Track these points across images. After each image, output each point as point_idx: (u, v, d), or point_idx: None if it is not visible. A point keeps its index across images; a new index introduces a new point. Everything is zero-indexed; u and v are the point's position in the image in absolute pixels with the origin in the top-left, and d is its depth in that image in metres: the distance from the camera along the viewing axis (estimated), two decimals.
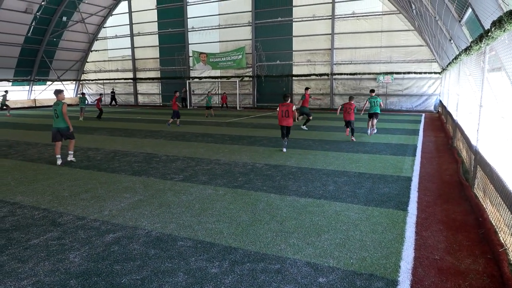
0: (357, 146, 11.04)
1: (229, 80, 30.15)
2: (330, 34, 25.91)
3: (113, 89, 35.62)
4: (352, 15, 25.07)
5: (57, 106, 8.86)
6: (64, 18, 32.11)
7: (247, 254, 4.13)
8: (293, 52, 27.59)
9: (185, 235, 4.66)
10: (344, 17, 25.39)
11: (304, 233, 4.70)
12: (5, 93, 25.73)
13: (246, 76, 29.54)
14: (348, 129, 12.20)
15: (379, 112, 12.98)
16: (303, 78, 27.53)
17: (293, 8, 26.88)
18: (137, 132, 15.03)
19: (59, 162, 8.99)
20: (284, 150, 10.34)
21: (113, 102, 34.65)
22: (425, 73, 23.69)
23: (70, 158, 9.38)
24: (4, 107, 24.99)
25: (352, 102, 12.19)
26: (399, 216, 5.25)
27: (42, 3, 29.66)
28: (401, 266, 3.82)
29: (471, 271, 3.76)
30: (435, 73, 23.29)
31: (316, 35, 26.48)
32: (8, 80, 31.95)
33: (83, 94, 23.15)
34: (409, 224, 4.94)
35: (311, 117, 15.29)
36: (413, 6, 15.87)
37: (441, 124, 16.75)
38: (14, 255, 4.19)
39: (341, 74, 26.13)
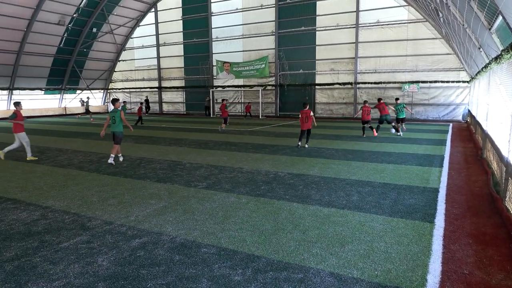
0: (381, 156, 10.87)
1: (252, 89, 30.39)
2: (354, 43, 25.74)
3: (146, 97, 36.03)
4: (376, 24, 24.85)
5: (115, 113, 10.15)
6: (94, 30, 33.38)
7: (270, 263, 4.14)
8: (316, 61, 27.56)
9: (209, 242, 4.72)
10: (368, 26, 25.19)
11: (327, 243, 4.66)
12: (87, 99, 27.05)
13: (269, 85, 29.70)
14: (374, 130, 15.26)
15: (404, 116, 16.18)
16: (326, 87, 27.41)
17: (317, 17, 26.92)
18: (162, 139, 15.36)
19: (109, 160, 10.18)
20: (300, 143, 12.53)
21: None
22: (452, 82, 23.10)
23: (110, 160, 10.16)
24: (87, 113, 26.24)
25: (367, 105, 15.42)
26: (426, 228, 5.12)
27: (74, 15, 30.98)
28: (428, 279, 3.73)
29: (502, 287, 3.62)
30: (463, 82, 22.68)
31: (339, 44, 26.37)
32: (40, 89, 33.39)
33: (124, 102, 24.89)
34: (436, 237, 4.82)
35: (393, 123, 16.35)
36: (440, 14, 15.58)
37: (469, 134, 16.25)
38: (46, 257, 4.37)
39: (365, 83, 25.84)
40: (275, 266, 4.07)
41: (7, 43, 28.45)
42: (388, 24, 24.45)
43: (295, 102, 28.01)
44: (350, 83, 26.28)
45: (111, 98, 33.80)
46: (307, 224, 5.31)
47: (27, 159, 10.88)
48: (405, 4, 23.56)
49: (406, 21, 23.87)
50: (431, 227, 5.15)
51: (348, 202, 6.35)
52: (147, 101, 35.11)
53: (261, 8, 28.93)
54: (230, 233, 5.03)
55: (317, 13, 26.88)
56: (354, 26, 25.56)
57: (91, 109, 30.05)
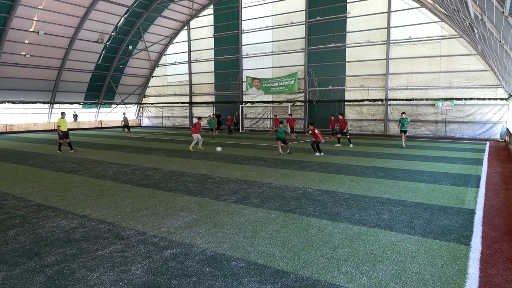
0: (413, 174, 10.60)
1: (281, 104, 30.58)
2: (385, 59, 25.50)
3: (218, 111, 33.50)
4: (408, 40, 24.54)
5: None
6: (130, 47, 34.96)
7: (299, 279, 4.13)
8: (346, 77, 27.44)
9: (238, 256, 4.78)
10: (400, 42, 24.92)
11: (358, 261, 4.60)
12: (124, 115, 27.76)
13: (298, 100, 29.80)
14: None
15: (406, 129, 18.27)
16: (355, 103, 27.16)
17: (347, 34, 26.94)
18: (192, 153, 15.68)
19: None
20: (317, 154, 14.58)
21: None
22: (489, 99, 22.28)
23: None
24: (126, 127, 27.04)
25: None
26: (461, 250, 4.95)
27: (112, 33, 32.61)
28: None
29: None
30: (501, 99, 21.83)
31: (370, 60, 26.20)
32: (79, 103, 35.15)
33: (212, 115, 27.65)
34: (472, 260, 4.64)
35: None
36: (475, 30, 15.23)
37: (508, 154, 15.54)
38: (83, 263, 4.57)
39: (396, 99, 25.42)
40: (305, 282, 4.06)
41: (51, 60, 30.30)
42: (420, 40, 24.08)
43: (324, 119, 27.89)
44: (381, 100, 25.91)
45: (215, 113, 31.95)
46: (337, 242, 5.26)
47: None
48: (438, 20, 23.18)
49: (439, 37, 23.42)
50: (467, 250, 4.97)
51: (379, 221, 6.24)
52: (218, 116, 31.26)
53: (291, 26, 29.33)
54: (259, 247, 5.06)
55: (347, 30, 26.92)
56: (385, 42, 25.36)
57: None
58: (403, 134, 18.17)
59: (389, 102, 25.82)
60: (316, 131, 14.68)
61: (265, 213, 6.71)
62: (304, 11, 28.51)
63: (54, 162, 13.29)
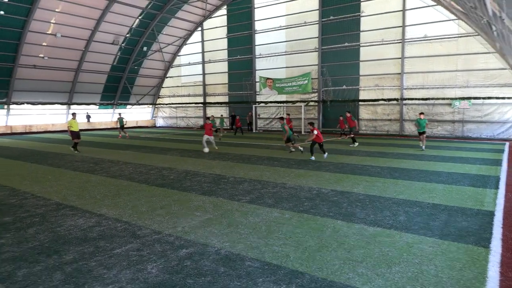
0: (430, 175, 10.43)
1: (295, 104, 30.48)
2: (400, 58, 25.14)
3: (234, 112, 32.56)
4: (424, 39, 24.14)
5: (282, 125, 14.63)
6: (145, 48, 35.38)
7: (314, 280, 4.11)
8: (360, 77, 27.17)
9: (253, 256, 4.78)
10: (415, 41, 24.53)
11: (373, 263, 4.55)
12: (120, 116, 26.28)
13: (312, 100, 29.64)
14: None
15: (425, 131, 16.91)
16: (370, 103, 26.87)
17: (361, 33, 26.67)
18: (206, 153, 15.77)
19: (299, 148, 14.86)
20: (313, 158, 13.60)
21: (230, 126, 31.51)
22: (508, 98, 21.74)
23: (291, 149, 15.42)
24: (121, 128, 25.39)
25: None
26: (480, 253, 4.84)
27: (127, 35, 33.07)
28: None
29: None
30: None
31: (384, 59, 25.87)
32: (95, 104, 35.77)
33: (221, 116, 27.53)
34: (492, 263, 4.54)
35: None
36: (493, 27, 14.88)
37: None
38: (100, 261, 4.65)
39: (411, 99, 25.03)
40: (320, 283, 4.04)
41: (68, 62, 30.92)
42: (436, 39, 23.66)
43: (338, 119, 27.64)
44: (396, 99, 25.56)
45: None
46: (352, 243, 5.22)
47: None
48: (455, 18, 22.73)
49: (456, 35, 22.97)
50: (486, 252, 4.86)
51: (395, 222, 6.15)
52: (234, 116, 30.15)
53: (305, 25, 29.20)
54: (274, 248, 5.06)
55: (361, 29, 26.64)
56: (400, 41, 25.00)
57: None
58: (421, 136, 16.71)
59: (404, 102, 25.45)
60: (315, 131, 13.77)
61: (279, 213, 6.70)
62: (318, 11, 28.34)
63: (72, 162, 13.55)
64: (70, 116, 17.64)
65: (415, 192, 8.37)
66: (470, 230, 5.76)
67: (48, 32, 28.09)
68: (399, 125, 25.80)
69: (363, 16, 26.47)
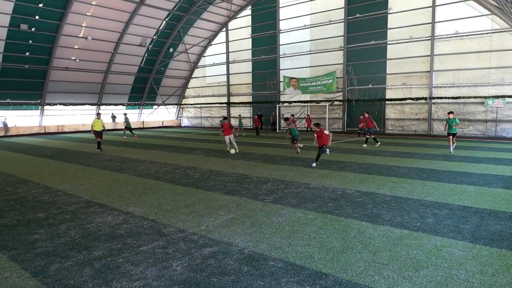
0: (460, 176, 10.06)
1: (319, 104, 30.19)
2: (429, 55, 24.39)
3: (260, 112, 32.66)
4: (455, 35, 23.32)
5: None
6: (171, 50, 36.03)
7: (338, 282, 4.06)
8: (387, 75, 26.56)
9: (276, 256, 4.77)
10: (445, 38, 23.73)
11: (400, 266, 4.44)
12: (125, 115, 26.42)
13: (336, 100, 29.27)
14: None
15: (455, 132, 15.58)
16: (397, 102, 26.22)
17: (388, 30, 26.08)
18: (230, 153, 15.86)
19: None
20: (313, 165, 12.18)
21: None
22: None
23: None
24: (127, 129, 25.12)
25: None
26: None
27: (154, 37, 33.77)
28: None
29: None
30: None
31: (412, 57, 25.18)
32: (123, 104, 36.78)
33: (240, 115, 29.43)
34: None
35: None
36: None
37: None
38: (128, 258, 4.77)
39: (441, 98, 24.22)
40: (344, 285, 3.98)
41: (98, 64, 31.92)
42: (468, 35, 22.80)
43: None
44: (424, 98, 24.82)
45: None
46: (378, 245, 5.11)
47: None
48: (488, 13, 21.83)
49: (490, 31, 22.04)
50: None
51: (423, 224, 5.98)
52: (260, 116, 30.17)
53: (329, 24, 28.86)
54: (297, 248, 5.03)
55: (388, 26, 26.05)
56: (429, 38, 24.26)
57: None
58: (451, 137, 15.22)
59: (433, 101, 24.68)
60: (326, 132, 12.32)
61: (302, 214, 6.66)
62: (343, 9, 27.93)
63: (101, 161, 13.99)
64: (102, 116, 18.29)
65: (444, 193, 8.10)
66: (503, 234, 5.51)
67: (79, 36, 29.12)
68: (428, 125, 25.05)
69: (390, 13, 25.88)
